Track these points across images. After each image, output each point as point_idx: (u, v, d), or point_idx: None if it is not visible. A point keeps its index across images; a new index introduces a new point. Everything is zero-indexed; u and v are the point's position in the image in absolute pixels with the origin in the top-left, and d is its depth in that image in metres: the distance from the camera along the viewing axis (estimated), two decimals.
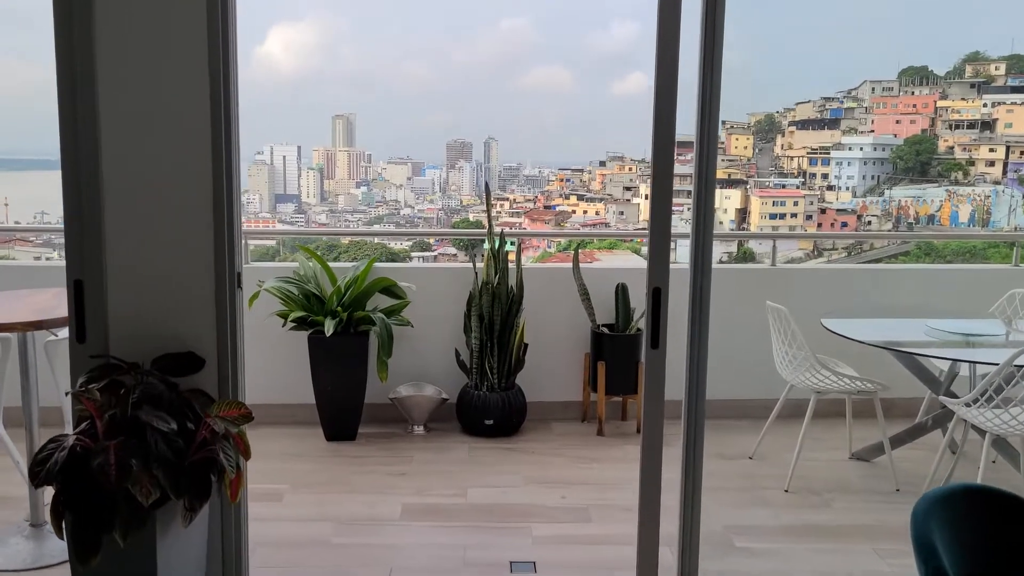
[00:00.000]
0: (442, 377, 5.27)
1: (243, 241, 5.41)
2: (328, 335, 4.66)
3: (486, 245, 5.20)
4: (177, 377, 3.03)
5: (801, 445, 4.44)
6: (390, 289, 5.07)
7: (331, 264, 5.26)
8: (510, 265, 5.16)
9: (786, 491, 4.40)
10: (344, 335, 4.87)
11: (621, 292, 5.23)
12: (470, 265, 5.19)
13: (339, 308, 4.83)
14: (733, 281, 5.56)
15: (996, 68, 34.53)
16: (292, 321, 4.82)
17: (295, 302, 4.91)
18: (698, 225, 3.16)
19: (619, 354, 5.16)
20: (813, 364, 4.41)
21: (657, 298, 3.10)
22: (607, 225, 32.07)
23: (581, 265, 5.32)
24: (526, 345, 5.13)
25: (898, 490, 4.42)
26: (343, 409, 4.97)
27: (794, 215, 33.50)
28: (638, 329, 5.20)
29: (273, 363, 5.23)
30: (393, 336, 4.84)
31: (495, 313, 5.03)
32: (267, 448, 4.87)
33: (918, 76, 36.69)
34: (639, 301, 5.26)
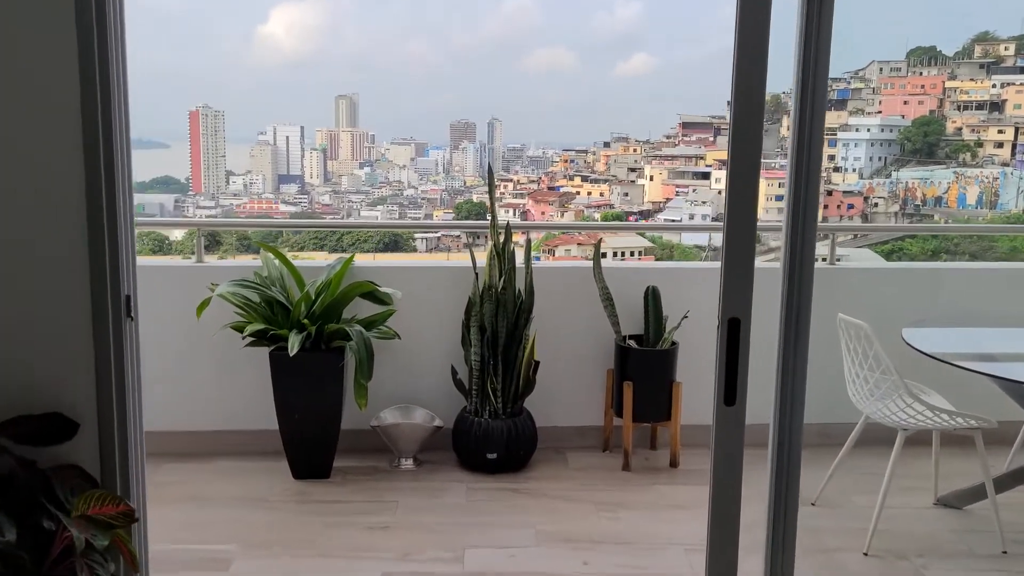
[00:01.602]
0: (435, 399, 4.25)
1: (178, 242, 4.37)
2: (292, 354, 3.64)
3: (489, 239, 4.16)
4: (38, 447, 2.02)
5: (885, 494, 3.43)
6: (372, 294, 4.04)
7: (307, 262, 4.24)
8: (517, 264, 4.12)
9: (865, 554, 3.40)
10: (315, 351, 3.85)
11: (651, 297, 4.20)
12: (468, 263, 4.15)
13: (306, 320, 3.80)
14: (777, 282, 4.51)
15: (1006, 48, 33.14)
16: (250, 335, 3.80)
17: (255, 311, 3.88)
18: (796, 213, 2.13)
19: (649, 373, 4.14)
20: (902, 395, 3.39)
21: (734, 333, 2.07)
22: (611, 206, 31.02)
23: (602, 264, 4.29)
24: (537, 363, 4.11)
25: (1005, 552, 3.42)
26: (314, 440, 3.96)
27: None
28: (673, 343, 4.17)
29: (230, 382, 4.21)
30: (374, 353, 3.81)
31: (499, 324, 4.00)
32: (219, 490, 3.86)
33: (926, 56, 35.32)
34: (672, 308, 4.22)
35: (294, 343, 3.65)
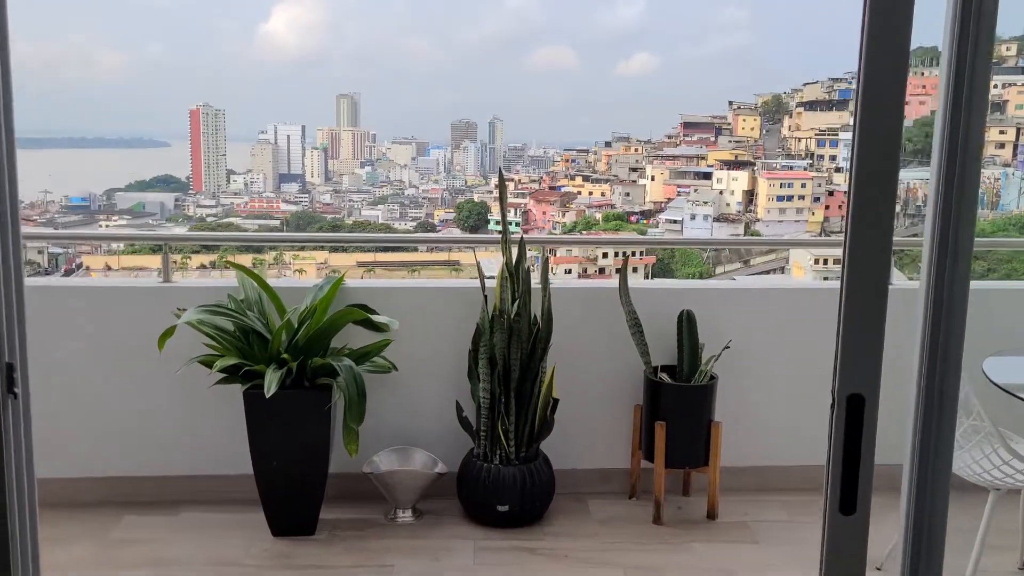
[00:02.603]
0: (437, 440, 3.63)
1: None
2: (269, 395, 3.01)
3: (500, 257, 3.55)
4: None
5: (977, 565, 2.82)
6: (369, 320, 3.42)
7: (291, 282, 3.63)
8: (532, 284, 3.51)
9: None
10: (297, 389, 3.23)
11: (685, 323, 3.58)
12: (476, 282, 3.53)
13: (287, 354, 3.18)
14: (830, 303, 3.89)
15: (1007, 49, 32.56)
16: (220, 371, 3.18)
17: (228, 342, 3.26)
18: (946, 220, 1.49)
19: (684, 411, 3.52)
20: (998, 450, 2.77)
21: (856, 415, 1.46)
22: (613, 206, 30.43)
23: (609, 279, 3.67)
24: (555, 401, 3.49)
25: None
26: (296, 491, 3.33)
27: (802, 197, 31.71)
28: (711, 376, 3.55)
29: (199, 420, 3.59)
30: (365, 392, 3.18)
31: (512, 356, 3.38)
32: (184, 551, 3.24)
33: (928, 56, 34.68)
34: (710, 335, 3.60)
35: (272, 382, 3.03)
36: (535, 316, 3.49)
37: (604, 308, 3.68)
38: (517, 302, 3.38)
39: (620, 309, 3.60)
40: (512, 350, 3.38)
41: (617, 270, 3.80)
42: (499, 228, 3.48)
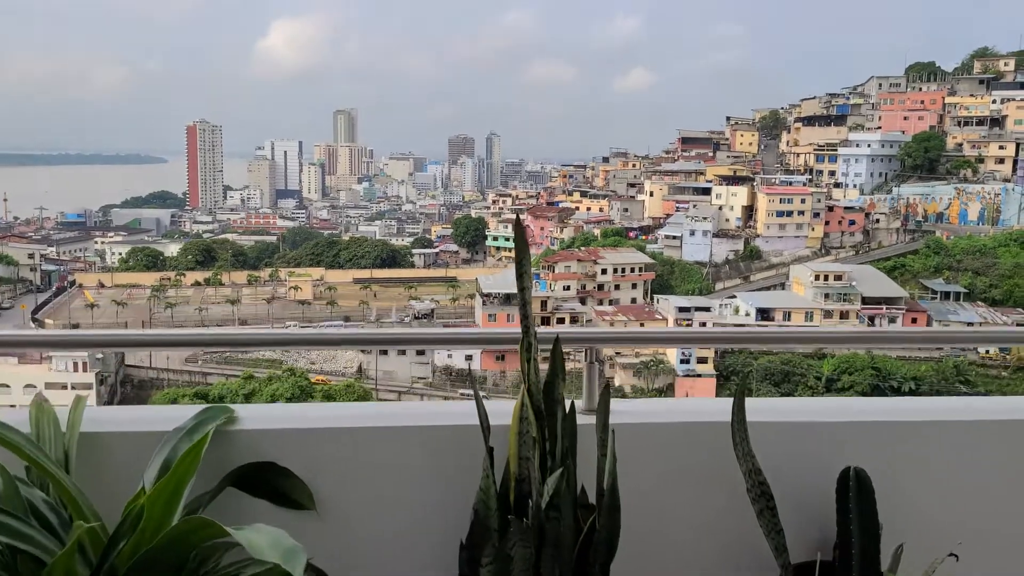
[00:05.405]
0: None
1: None
2: None
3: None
4: None
5: None
6: (279, 491, 1.71)
7: (142, 412, 1.91)
8: (579, 420, 1.79)
9: None
10: None
11: (854, 492, 1.87)
12: (470, 416, 1.82)
13: None
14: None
15: (1005, 64, 31.07)
16: None
17: None
18: None
19: None
20: None
21: None
22: (611, 222, 28.81)
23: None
24: None
25: None
26: None
27: (801, 212, 30.11)
28: None
29: None
30: None
31: None
32: None
33: (926, 72, 33.23)
34: (900, 509, 1.89)
35: None
36: (582, 487, 1.78)
37: (702, 460, 1.97)
38: (560, 475, 1.67)
39: (732, 462, 1.88)
40: (545, 569, 1.66)
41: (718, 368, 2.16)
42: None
